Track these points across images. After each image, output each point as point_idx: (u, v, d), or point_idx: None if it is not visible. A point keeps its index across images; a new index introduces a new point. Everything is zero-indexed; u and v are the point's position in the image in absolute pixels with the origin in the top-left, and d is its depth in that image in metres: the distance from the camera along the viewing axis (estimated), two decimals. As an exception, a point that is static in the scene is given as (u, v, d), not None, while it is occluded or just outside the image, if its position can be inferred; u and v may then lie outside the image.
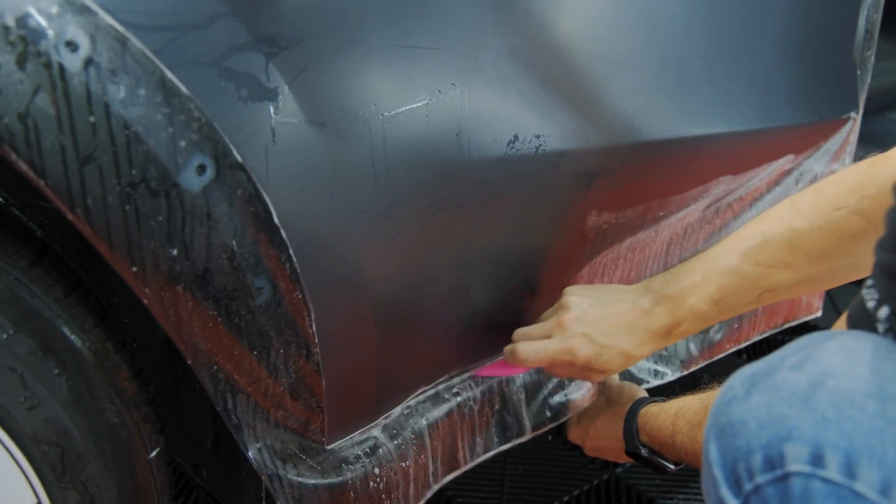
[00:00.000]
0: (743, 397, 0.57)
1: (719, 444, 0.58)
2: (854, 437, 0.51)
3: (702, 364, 1.27)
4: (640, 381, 1.20)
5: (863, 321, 0.58)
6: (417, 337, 0.95)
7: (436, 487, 1.02)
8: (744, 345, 1.32)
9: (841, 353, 0.56)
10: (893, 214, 0.57)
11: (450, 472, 1.04)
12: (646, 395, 1.08)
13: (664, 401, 1.02)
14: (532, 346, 0.97)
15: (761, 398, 0.56)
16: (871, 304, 0.58)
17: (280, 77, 0.71)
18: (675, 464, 1.00)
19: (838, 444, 0.52)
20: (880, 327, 0.57)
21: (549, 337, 0.97)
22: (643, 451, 1.01)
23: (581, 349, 0.95)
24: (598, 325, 0.95)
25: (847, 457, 0.51)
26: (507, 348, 1.00)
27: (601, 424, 1.07)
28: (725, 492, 0.57)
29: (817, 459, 0.52)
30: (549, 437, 1.54)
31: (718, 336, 1.26)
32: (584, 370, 0.97)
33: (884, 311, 0.57)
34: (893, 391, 0.52)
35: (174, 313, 0.72)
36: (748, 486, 0.56)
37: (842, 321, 0.63)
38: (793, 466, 0.53)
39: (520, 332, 1.00)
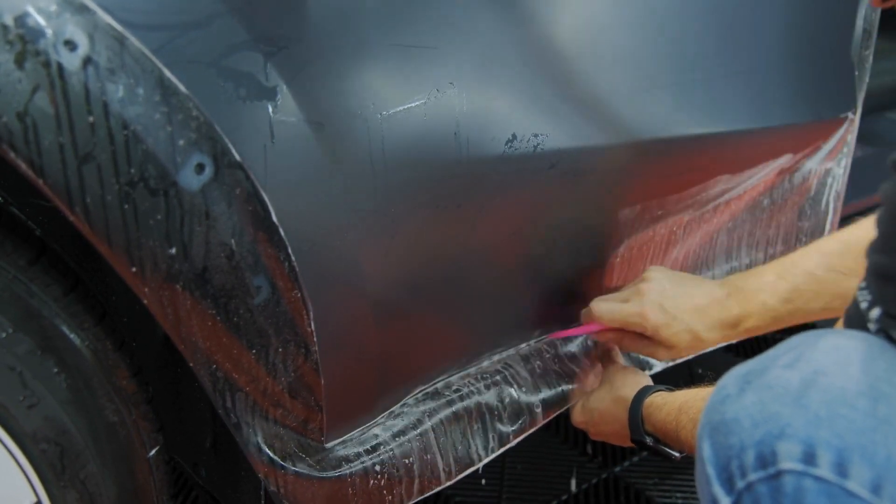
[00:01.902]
0: (736, 395, 0.57)
1: (712, 441, 0.58)
2: (846, 435, 0.51)
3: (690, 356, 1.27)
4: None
5: (857, 321, 0.59)
6: (416, 336, 0.95)
7: (448, 483, 1.02)
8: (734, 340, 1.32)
9: (833, 352, 0.56)
10: (883, 217, 0.58)
11: (463, 469, 1.04)
12: (650, 382, 1.08)
13: (669, 390, 1.02)
14: (608, 304, 1.03)
15: (754, 396, 0.56)
16: (863, 305, 0.58)
17: (279, 76, 0.71)
18: (680, 451, 1.00)
19: (830, 443, 0.52)
20: (872, 327, 0.57)
21: (626, 301, 1.02)
22: (648, 441, 1.02)
23: (652, 315, 1.00)
24: (673, 300, 1.00)
25: (839, 455, 0.51)
26: (585, 309, 1.06)
27: (606, 411, 1.08)
28: (718, 489, 0.58)
29: (809, 457, 0.52)
30: (549, 431, 1.55)
31: None
32: (652, 342, 1.02)
33: (875, 312, 0.57)
34: (884, 390, 0.52)
35: (173, 312, 0.72)
36: (740, 484, 0.56)
37: (840, 322, 0.64)
38: (785, 464, 0.53)
39: (599, 298, 1.06)
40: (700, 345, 1.01)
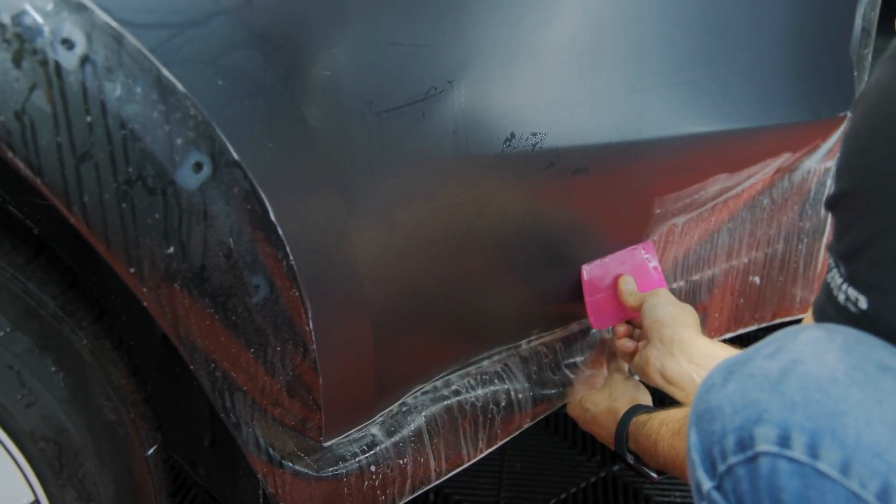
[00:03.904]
0: (720, 385, 0.60)
1: (698, 429, 0.61)
2: (819, 419, 0.54)
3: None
4: None
5: (824, 296, 0.61)
6: (414, 335, 0.95)
7: (438, 481, 1.03)
8: (726, 336, 1.33)
9: (811, 343, 0.59)
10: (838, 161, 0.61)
11: (454, 467, 1.04)
12: (648, 397, 1.10)
13: (656, 410, 1.04)
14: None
15: (736, 385, 0.59)
16: (830, 264, 0.61)
17: (276, 75, 0.71)
18: (659, 472, 1.02)
19: (804, 426, 0.55)
20: (840, 295, 0.59)
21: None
22: (629, 458, 1.03)
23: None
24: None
25: (811, 438, 0.54)
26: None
27: (599, 416, 1.11)
28: (702, 474, 0.60)
29: (784, 440, 0.55)
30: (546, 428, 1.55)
31: None
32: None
33: (833, 266, 0.60)
34: (857, 377, 0.55)
35: (171, 311, 0.72)
36: (722, 468, 0.59)
37: (808, 315, 0.66)
38: (762, 447, 0.56)
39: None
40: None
